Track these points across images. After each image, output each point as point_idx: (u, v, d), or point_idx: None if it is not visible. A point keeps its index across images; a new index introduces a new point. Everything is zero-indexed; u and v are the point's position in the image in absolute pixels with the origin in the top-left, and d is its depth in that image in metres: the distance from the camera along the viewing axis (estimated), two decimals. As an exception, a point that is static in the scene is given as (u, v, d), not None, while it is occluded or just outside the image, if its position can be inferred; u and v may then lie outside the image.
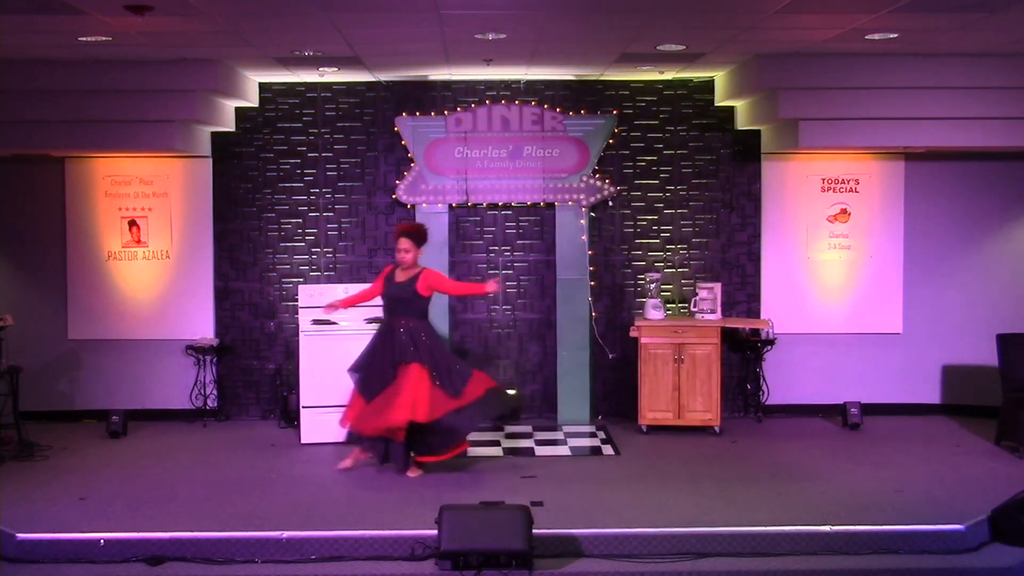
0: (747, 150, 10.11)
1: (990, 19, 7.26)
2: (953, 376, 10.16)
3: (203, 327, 10.07)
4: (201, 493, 7.48)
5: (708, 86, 10.09)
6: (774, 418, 10.02)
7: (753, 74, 8.87)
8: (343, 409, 8.06)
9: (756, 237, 10.14)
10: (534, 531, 6.22)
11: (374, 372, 7.86)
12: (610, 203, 10.10)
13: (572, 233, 10.02)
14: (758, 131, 10.02)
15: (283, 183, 10.13)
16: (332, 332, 9.04)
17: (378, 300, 8.19)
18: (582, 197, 9.99)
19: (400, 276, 7.98)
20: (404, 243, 7.94)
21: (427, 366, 7.76)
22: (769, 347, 9.97)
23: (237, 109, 10.02)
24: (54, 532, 6.50)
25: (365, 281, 9.94)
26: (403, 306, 7.92)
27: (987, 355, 9.44)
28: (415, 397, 7.67)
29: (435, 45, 8.31)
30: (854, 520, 6.65)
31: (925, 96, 8.82)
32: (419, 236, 8.03)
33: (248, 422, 10.03)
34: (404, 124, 10.00)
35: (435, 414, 7.67)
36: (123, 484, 7.76)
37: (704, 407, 9.32)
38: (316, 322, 9.07)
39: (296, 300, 9.71)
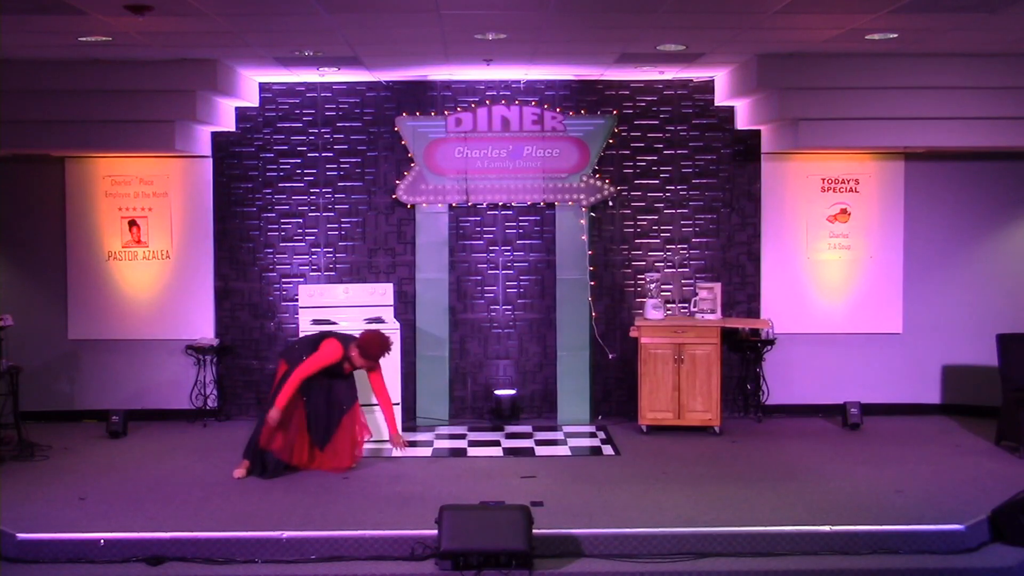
0: (747, 150, 10.11)
1: (990, 19, 7.26)
2: (953, 376, 10.16)
3: (203, 327, 10.07)
4: (201, 493, 7.48)
5: (708, 86, 10.10)
6: (774, 418, 10.02)
7: (753, 74, 8.86)
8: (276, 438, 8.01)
9: (756, 237, 10.14)
10: (534, 531, 6.22)
11: (320, 423, 8.15)
12: (610, 203, 10.10)
13: (572, 233, 10.02)
14: (758, 131, 10.02)
15: (283, 183, 10.14)
16: (332, 332, 9.02)
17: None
18: (582, 197, 9.99)
19: (347, 366, 8.09)
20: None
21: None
22: (769, 347, 9.98)
23: (237, 109, 10.02)
24: (54, 532, 6.50)
25: (365, 281, 9.97)
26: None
27: (987, 355, 9.44)
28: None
29: (435, 45, 8.31)
30: (854, 520, 6.65)
31: (925, 96, 8.82)
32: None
33: (248, 422, 9.97)
34: (404, 124, 10.00)
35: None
36: (123, 484, 7.76)
37: (704, 407, 9.32)
38: (316, 322, 9.06)
39: (296, 300, 9.72)
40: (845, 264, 10.12)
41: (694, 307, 9.78)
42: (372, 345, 8.02)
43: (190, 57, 8.76)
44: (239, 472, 7.96)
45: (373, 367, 8.16)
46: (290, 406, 7.90)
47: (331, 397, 8.12)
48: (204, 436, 9.48)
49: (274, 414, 7.81)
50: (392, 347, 8.26)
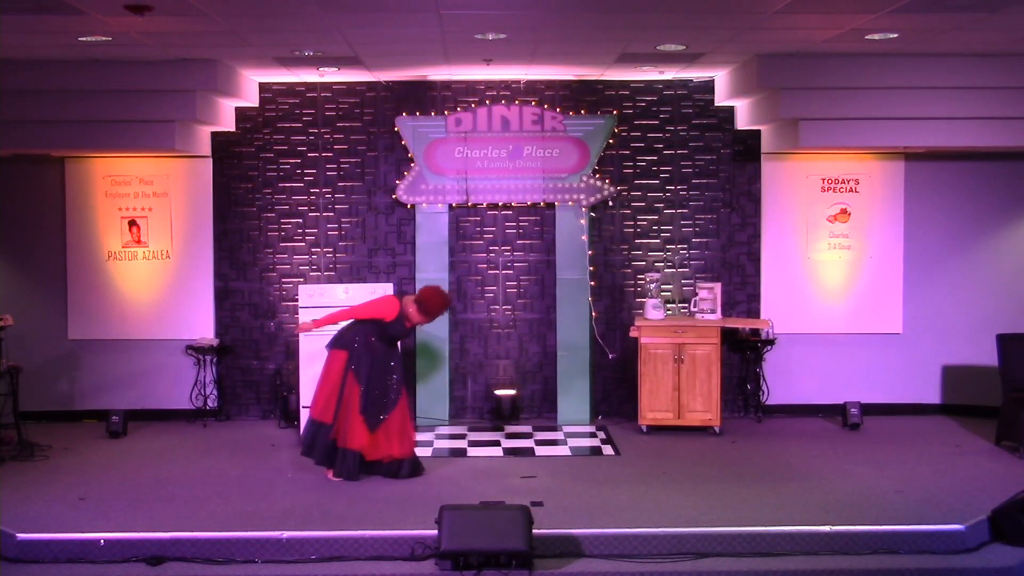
0: (747, 150, 10.11)
1: (990, 19, 7.27)
2: (953, 376, 10.16)
3: (203, 327, 10.07)
4: (201, 493, 7.48)
5: (708, 86, 10.10)
6: (774, 418, 10.03)
7: (753, 74, 8.87)
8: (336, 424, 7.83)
9: (756, 237, 10.14)
10: (534, 531, 6.22)
11: (377, 402, 7.87)
12: (610, 203, 10.10)
13: (572, 233, 10.02)
14: (758, 131, 10.02)
15: (283, 183, 10.14)
16: (332, 332, 9.00)
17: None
18: (582, 197, 9.99)
19: (407, 322, 7.90)
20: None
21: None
22: (769, 347, 9.98)
23: (237, 109, 10.03)
24: (54, 532, 6.50)
25: (365, 281, 9.96)
26: (395, 344, 8.04)
27: (987, 355, 9.44)
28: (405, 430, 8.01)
29: (435, 45, 8.31)
30: (854, 520, 6.65)
31: (925, 96, 8.82)
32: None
33: (248, 422, 10.04)
34: (404, 124, 10.00)
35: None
36: (123, 484, 7.76)
37: (704, 407, 9.32)
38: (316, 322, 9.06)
39: (296, 300, 9.71)
40: (845, 264, 10.12)
41: (694, 307, 9.78)
42: (432, 301, 7.79)
43: (190, 57, 8.75)
44: (331, 474, 7.86)
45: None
46: (345, 384, 7.73)
47: (385, 380, 7.86)
48: (204, 436, 9.48)
49: (306, 324, 7.92)
50: (451, 305, 8.05)
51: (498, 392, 9.97)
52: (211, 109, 9.40)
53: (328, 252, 10.16)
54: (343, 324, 7.98)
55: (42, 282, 10.10)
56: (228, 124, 9.93)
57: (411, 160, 10.03)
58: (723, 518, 6.74)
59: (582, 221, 10.00)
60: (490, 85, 10.09)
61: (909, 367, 10.16)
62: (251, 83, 9.88)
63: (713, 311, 9.60)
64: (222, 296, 10.16)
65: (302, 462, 8.42)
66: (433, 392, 9.99)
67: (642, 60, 9.02)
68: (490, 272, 10.16)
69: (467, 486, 7.62)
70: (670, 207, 10.17)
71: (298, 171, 10.14)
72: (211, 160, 10.06)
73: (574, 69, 9.65)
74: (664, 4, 6.91)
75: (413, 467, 7.95)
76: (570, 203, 10.01)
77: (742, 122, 9.94)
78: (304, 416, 9.04)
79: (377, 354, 7.83)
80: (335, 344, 7.89)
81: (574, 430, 9.67)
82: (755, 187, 10.12)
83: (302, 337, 9.08)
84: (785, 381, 10.13)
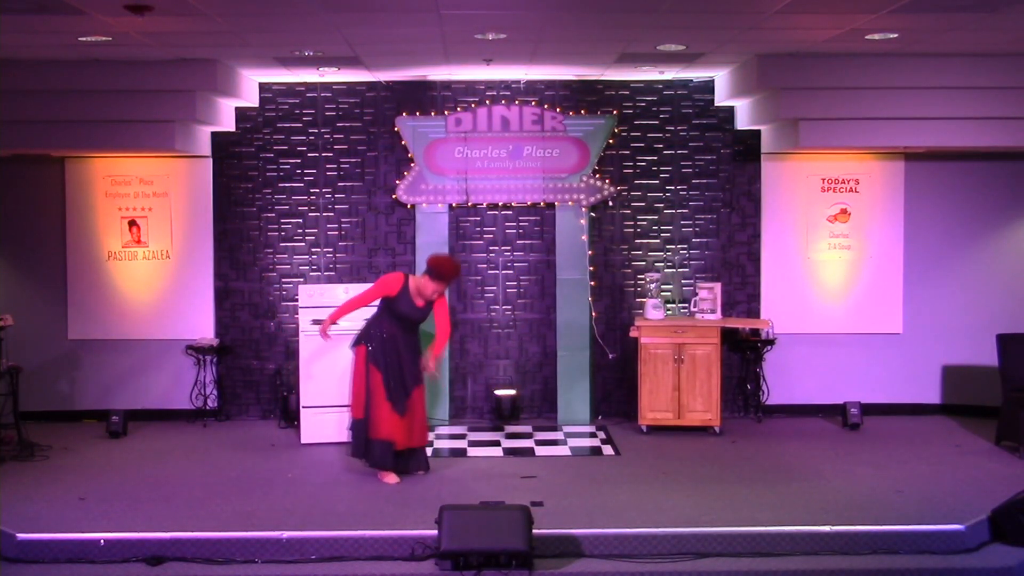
0: (747, 150, 10.11)
1: (990, 19, 7.27)
2: (953, 376, 10.16)
3: (203, 327, 10.08)
4: (201, 493, 7.48)
5: (708, 86, 10.10)
6: (774, 418, 10.03)
7: (753, 74, 8.87)
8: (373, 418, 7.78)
9: (756, 237, 10.14)
10: (534, 531, 6.22)
11: (397, 384, 7.84)
12: (610, 203, 10.10)
13: (572, 233, 10.02)
14: (758, 131, 10.02)
15: (283, 183, 10.14)
16: (332, 332, 9.00)
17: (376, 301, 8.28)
18: (582, 197, 9.99)
19: (418, 300, 7.85)
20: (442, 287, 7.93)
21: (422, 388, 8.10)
22: (769, 347, 9.98)
23: (237, 109, 10.03)
24: (54, 532, 6.50)
25: (365, 281, 9.94)
26: (415, 326, 8.01)
27: (987, 355, 9.44)
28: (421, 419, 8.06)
29: (435, 45, 8.31)
30: (854, 520, 6.65)
31: (925, 96, 8.82)
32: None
33: (248, 422, 10.04)
34: (404, 124, 10.00)
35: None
36: (123, 484, 7.76)
37: (704, 407, 9.32)
38: (316, 322, 9.06)
39: (296, 300, 9.72)
40: (845, 264, 10.12)
41: (694, 307, 9.78)
42: (443, 265, 7.81)
43: (190, 57, 8.76)
44: (391, 478, 7.80)
45: (441, 294, 7.94)
46: (369, 375, 7.74)
47: (402, 366, 7.83)
48: (204, 436, 9.48)
49: (325, 324, 7.91)
50: (460, 269, 8.26)
51: (498, 392, 9.97)
52: (211, 109, 9.40)
53: (328, 252, 10.16)
54: (362, 323, 8.04)
55: (42, 282, 10.10)
56: (228, 124, 9.93)
57: (411, 160, 10.03)
58: (723, 518, 6.74)
59: (582, 221, 10.00)
60: (490, 85, 10.09)
61: (909, 367, 10.16)
62: (251, 83, 9.88)
63: (713, 311, 9.61)
64: (222, 296, 10.16)
65: (302, 462, 8.44)
66: (433, 392, 9.96)
67: (642, 60, 9.02)
68: (490, 272, 10.16)
69: (467, 486, 7.62)
70: (670, 207, 10.17)
71: (298, 171, 10.14)
72: (211, 160, 10.06)
73: (574, 69, 9.65)
74: (664, 4, 6.91)
75: (424, 460, 8.01)
76: (570, 203, 10.01)
77: (742, 122, 9.94)
78: (304, 416, 9.08)
79: (392, 338, 7.83)
80: (356, 342, 7.95)
81: (574, 430, 9.67)
82: (755, 187, 10.12)
83: (302, 336, 9.09)
84: (785, 381, 10.13)
